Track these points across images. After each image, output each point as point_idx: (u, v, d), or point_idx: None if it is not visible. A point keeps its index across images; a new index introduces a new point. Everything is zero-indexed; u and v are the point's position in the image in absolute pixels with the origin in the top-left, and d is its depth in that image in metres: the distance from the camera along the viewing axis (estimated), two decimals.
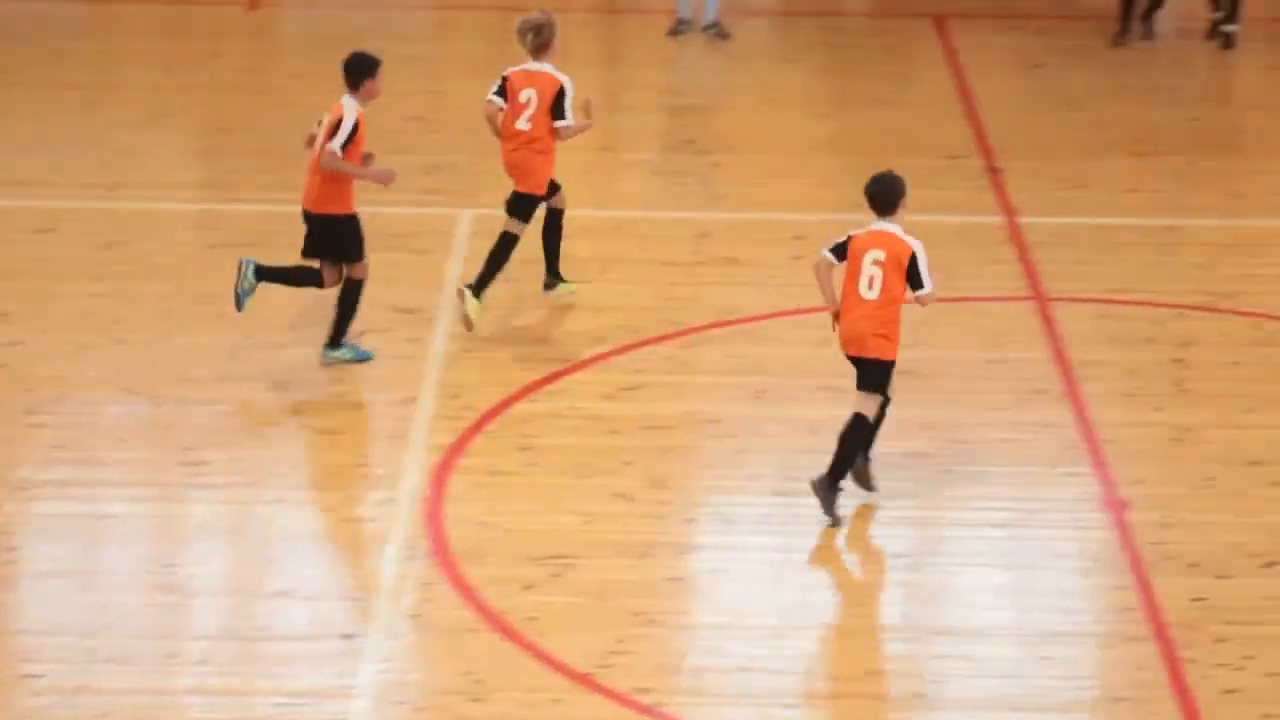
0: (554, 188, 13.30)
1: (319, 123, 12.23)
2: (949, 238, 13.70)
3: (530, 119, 13.32)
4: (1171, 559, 9.87)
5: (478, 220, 14.29)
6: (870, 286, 11.25)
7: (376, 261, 12.45)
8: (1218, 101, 17.63)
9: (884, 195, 11.10)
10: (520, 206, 13.09)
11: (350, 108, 12.42)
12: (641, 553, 9.73)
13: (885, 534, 10.52)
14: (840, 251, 11.21)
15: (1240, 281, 13.23)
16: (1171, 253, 13.77)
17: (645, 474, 10.41)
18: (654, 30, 19.36)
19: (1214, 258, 13.66)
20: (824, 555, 10.30)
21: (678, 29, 18.76)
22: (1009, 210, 14.06)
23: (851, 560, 10.51)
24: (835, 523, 11.07)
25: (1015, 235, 13.94)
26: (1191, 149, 16.03)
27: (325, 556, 10.64)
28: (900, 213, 11.30)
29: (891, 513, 10.46)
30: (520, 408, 11.29)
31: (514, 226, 13.08)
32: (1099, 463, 10.52)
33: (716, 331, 12.82)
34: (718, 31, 18.65)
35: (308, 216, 12.37)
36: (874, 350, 11.18)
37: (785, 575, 10.12)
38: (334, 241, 12.27)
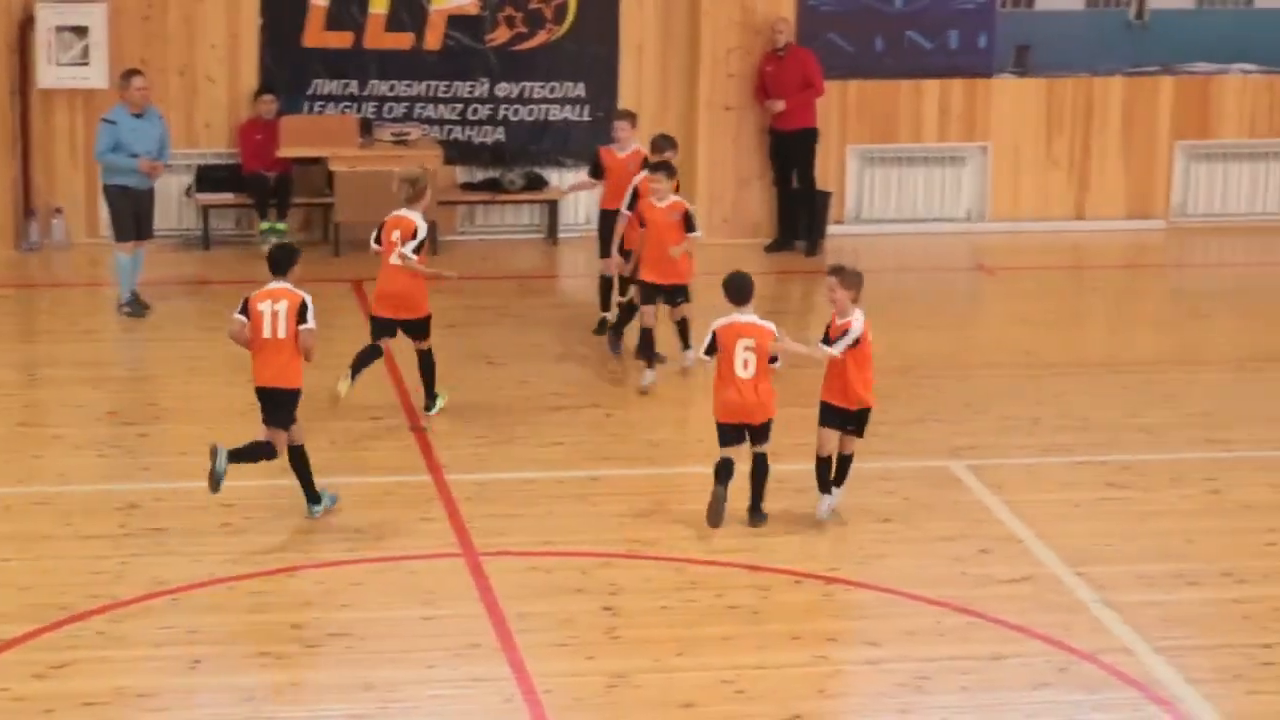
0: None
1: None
2: (379, 497, 13.84)
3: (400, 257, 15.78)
4: None
5: None
6: (745, 367, 13.71)
7: None
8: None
9: (740, 289, 13.60)
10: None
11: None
12: None
13: None
14: (711, 344, 13.70)
15: (660, 528, 13.49)
16: (594, 503, 14.04)
17: None
18: (70, 304, 19.19)
19: (634, 505, 13.92)
20: None
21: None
22: (435, 468, 14.21)
23: None
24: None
25: (443, 492, 14.01)
26: (610, 403, 16.38)
27: None
28: (752, 303, 13.94)
29: None
30: None
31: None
32: (538, 715, 10.54)
33: (148, 603, 12.42)
34: (130, 311, 18.31)
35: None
36: (761, 415, 13.69)
37: None
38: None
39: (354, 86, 21.30)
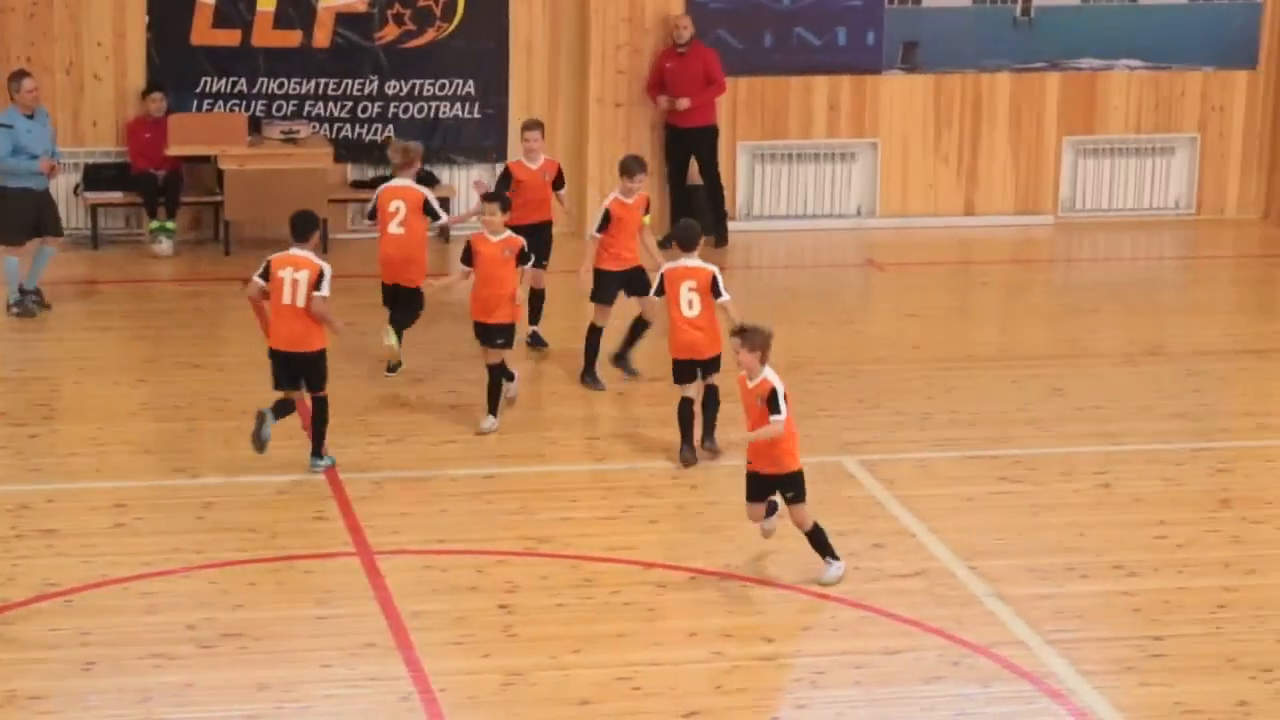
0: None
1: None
2: (271, 497, 13.84)
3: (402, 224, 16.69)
4: None
5: None
6: (690, 307, 14.64)
7: None
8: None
9: (688, 237, 14.66)
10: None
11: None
12: None
13: None
14: (660, 286, 14.73)
15: (555, 526, 13.52)
16: (489, 501, 14.04)
17: None
18: None
19: (529, 504, 13.93)
20: None
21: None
22: (329, 467, 14.17)
23: None
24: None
25: (337, 492, 13.98)
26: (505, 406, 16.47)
27: None
28: (699, 249, 14.91)
29: None
30: None
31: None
32: (434, 713, 10.57)
33: (39, 605, 12.31)
34: (20, 311, 18.16)
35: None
36: (709, 350, 14.75)
37: None
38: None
39: (242, 84, 21.18)
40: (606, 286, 17.03)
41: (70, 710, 10.95)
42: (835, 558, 12.85)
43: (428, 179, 20.95)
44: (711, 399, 15.49)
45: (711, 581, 12.85)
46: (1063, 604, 12.82)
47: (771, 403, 12.45)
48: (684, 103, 20.89)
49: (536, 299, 17.67)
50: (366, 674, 11.27)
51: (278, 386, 14.26)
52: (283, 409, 14.34)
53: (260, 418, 14.01)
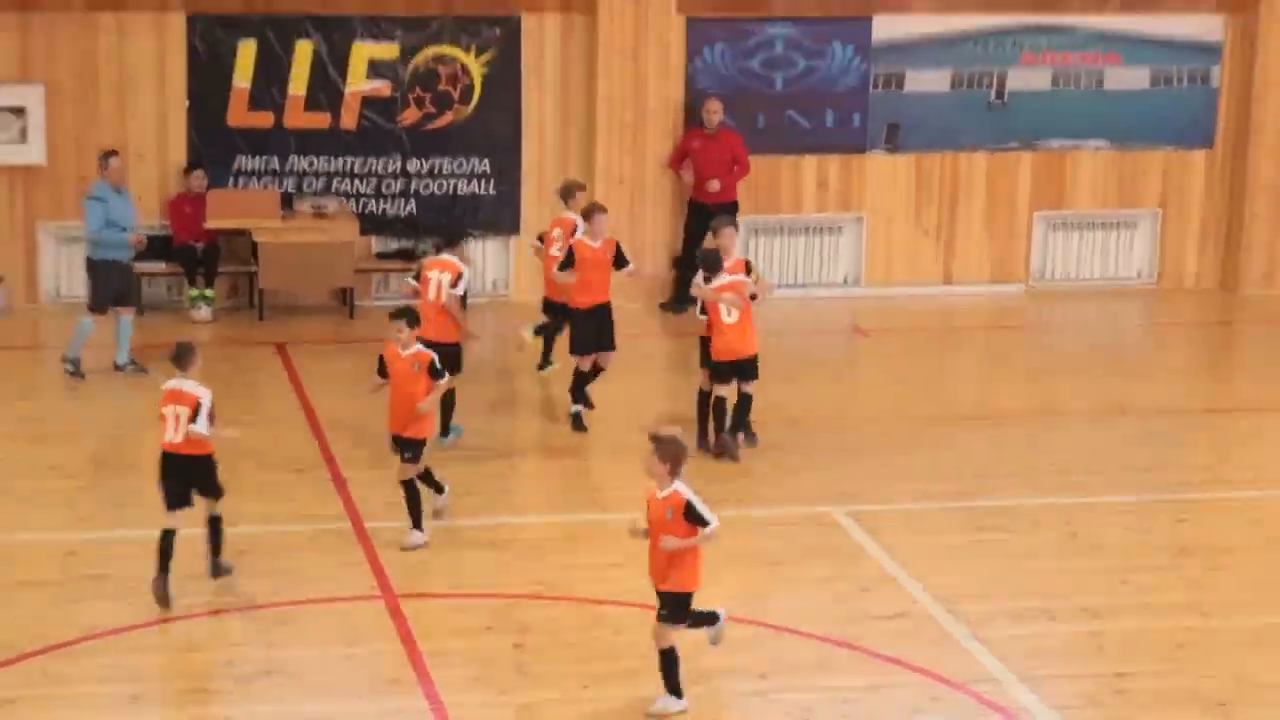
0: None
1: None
2: (303, 544, 13.80)
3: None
4: None
5: None
6: (730, 314, 15.40)
7: None
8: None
9: (712, 261, 15.42)
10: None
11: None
12: None
13: None
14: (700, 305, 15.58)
15: (566, 571, 13.40)
16: (504, 548, 13.97)
17: None
18: (16, 365, 18.93)
19: (540, 550, 13.86)
20: None
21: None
22: (356, 516, 14.18)
23: None
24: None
25: (363, 539, 13.94)
26: (513, 453, 16.36)
27: None
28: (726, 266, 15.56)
29: None
30: None
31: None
32: None
33: (88, 644, 12.25)
34: (73, 370, 17.94)
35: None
36: (746, 351, 15.73)
37: None
38: None
39: (275, 162, 20.95)
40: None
41: None
42: (679, 695, 11.58)
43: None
44: (743, 400, 16.20)
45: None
46: (1034, 644, 12.80)
47: (691, 515, 11.24)
48: (715, 185, 20.84)
49: (588, 377, 17.06)
50: (392, 708, 11.26)
51: None
52: None
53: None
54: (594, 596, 13.13)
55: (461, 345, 16.33)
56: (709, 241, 18.10)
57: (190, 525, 13.38)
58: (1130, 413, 18.31)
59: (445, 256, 16.25)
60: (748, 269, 16.59)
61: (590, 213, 16.97)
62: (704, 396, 16.59)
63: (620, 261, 17.21)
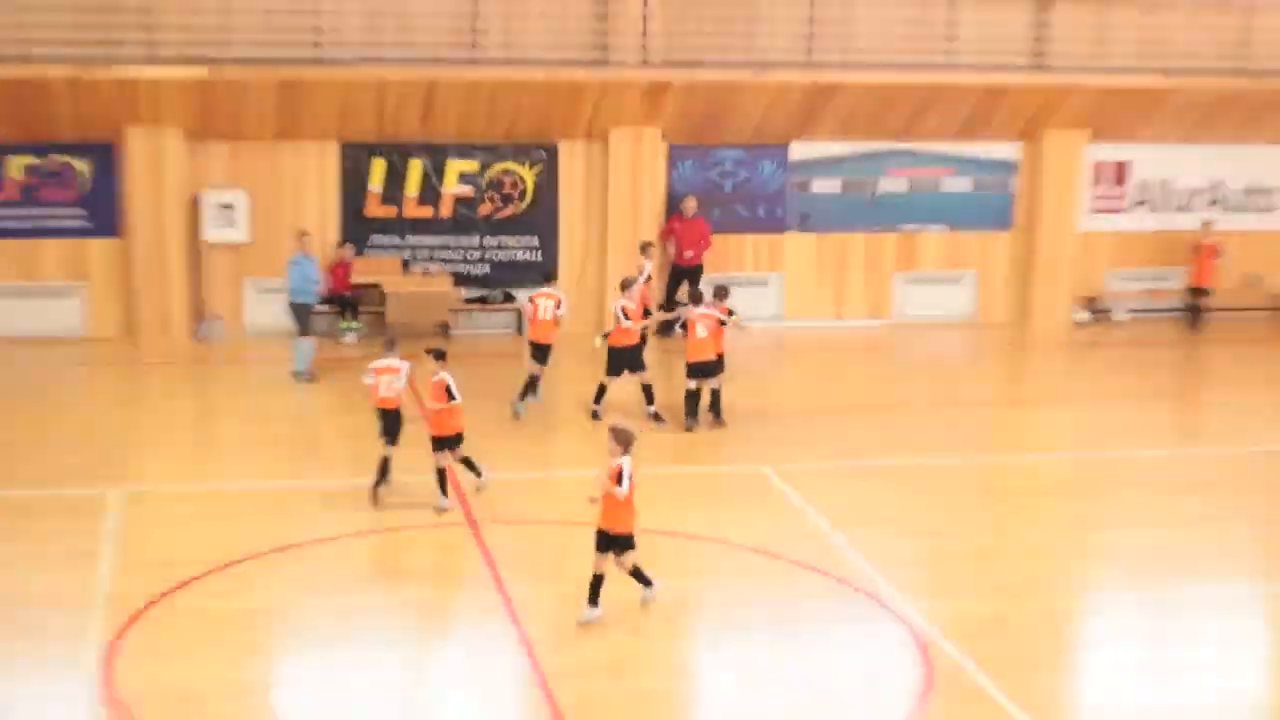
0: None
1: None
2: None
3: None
4: None
5: None
6: (702, 331, 15.01)
7: None
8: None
9: (718, 290, 15.30)
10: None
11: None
12: None
13: None
14: (683, 322, 14.85)
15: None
16: (541, 489, 13.29)
17: None
18: (237, 372, 18.74)
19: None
20: None
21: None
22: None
23: None
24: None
25: (457, 486, 13.23)
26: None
27: None
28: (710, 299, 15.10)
29: None
30: None
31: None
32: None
33: (307, 548, 12.10)
34: (301, 378, 17.76)
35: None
36: (712, 353, 15.49)
37: None
38: None
39: (396, 239, 20.79)
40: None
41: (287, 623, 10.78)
42: (649, 583, 11.09)
43: (508, 297, 20.82)
44: (714, 396, 15.80)
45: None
46: (892, 552, 12.56)
47: (619, 479, 10.61)
48: (689, 254, 20.82)
49: (648, 390, 16.37)
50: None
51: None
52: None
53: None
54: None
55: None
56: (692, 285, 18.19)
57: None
58: (958, 404, 18.26)
59: (549, 289, 16.72)
60: (730, 312, 16.37)
61: (626, 284, 16.63)
62: (688, 393, 16.26)
63: (646, 312, 17.14)
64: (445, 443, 13.11)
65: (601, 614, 10.86)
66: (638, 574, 11.05)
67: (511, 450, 15.12)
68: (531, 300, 16.56)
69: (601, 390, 16.57)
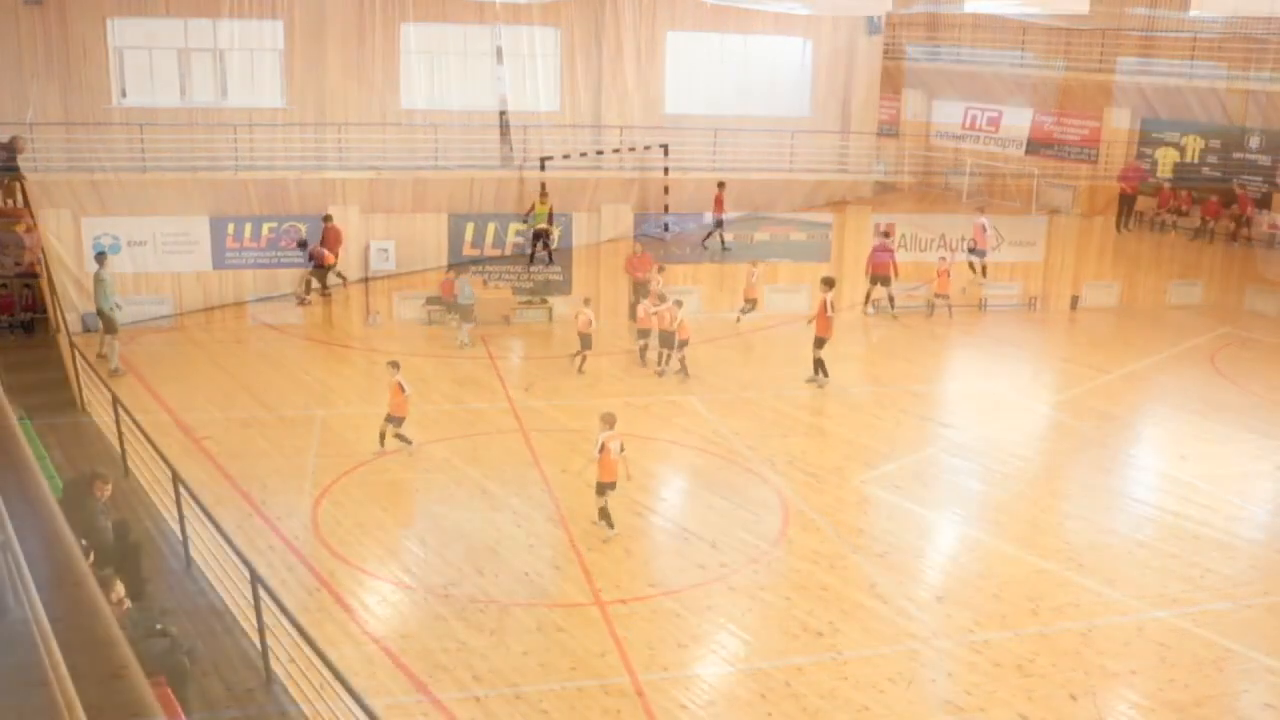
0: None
1: None
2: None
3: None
4: None
5: None
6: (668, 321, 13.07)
7: None
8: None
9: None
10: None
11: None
12: None
13: None
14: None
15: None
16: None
17: None
18: (407, 349, 22.75)
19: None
20: None
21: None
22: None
23: None
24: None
25: (529, 443, 14.81)
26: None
27: None
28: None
29: None
30: None
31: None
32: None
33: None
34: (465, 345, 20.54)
35: None
36: (663, 327, 14.21)
37: None
38: None
39: (480, 269, 25.83)
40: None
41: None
42: (611, 525, 12.33)
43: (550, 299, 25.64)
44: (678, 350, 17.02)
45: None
46: (788, 457, 14.10)
47: (600, 447, 12.09)
48: (641, 275, 24.73)
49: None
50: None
51: None
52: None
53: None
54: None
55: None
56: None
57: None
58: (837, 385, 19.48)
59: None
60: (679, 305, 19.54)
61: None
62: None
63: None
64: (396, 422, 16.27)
65: (617, 531, 13.21)
66: (604, 513, 13.06)
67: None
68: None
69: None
